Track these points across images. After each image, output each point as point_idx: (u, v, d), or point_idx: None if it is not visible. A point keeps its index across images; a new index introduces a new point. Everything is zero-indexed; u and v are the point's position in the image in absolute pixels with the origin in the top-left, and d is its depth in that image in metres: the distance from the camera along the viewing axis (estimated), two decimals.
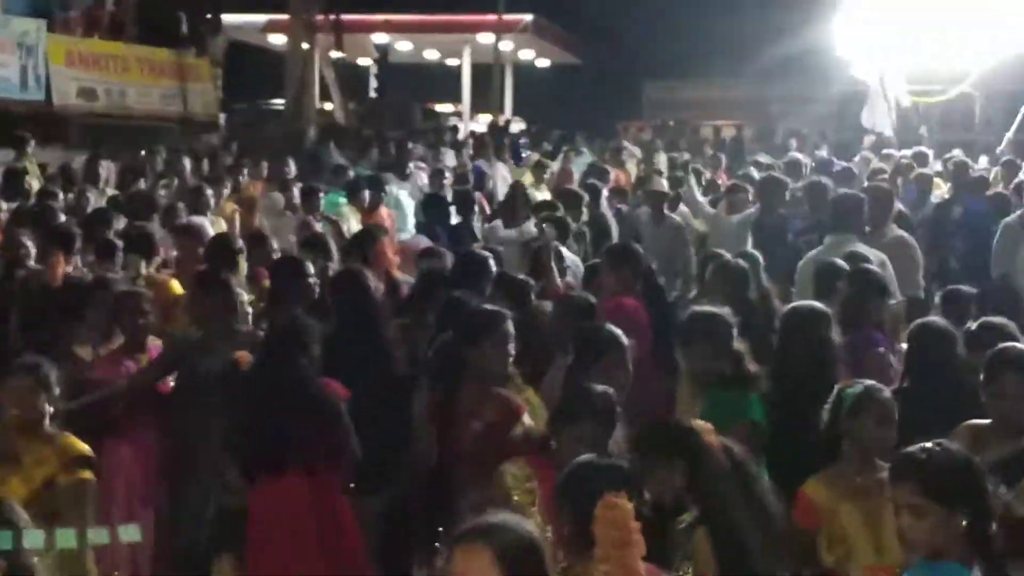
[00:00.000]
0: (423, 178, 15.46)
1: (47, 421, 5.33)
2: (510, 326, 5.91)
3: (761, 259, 8.49)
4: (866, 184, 10.39)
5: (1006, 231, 10.38)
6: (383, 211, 12.71)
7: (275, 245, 9.31)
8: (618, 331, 5.92)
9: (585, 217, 11.11)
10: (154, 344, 6.82)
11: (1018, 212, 10.78)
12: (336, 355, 6.21)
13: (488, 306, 6.18)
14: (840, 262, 7.63)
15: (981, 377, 5.28)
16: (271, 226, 11.63)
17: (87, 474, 5.29)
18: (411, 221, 13.31)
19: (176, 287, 8.07)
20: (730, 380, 5.84)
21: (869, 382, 5.13)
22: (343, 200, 13.36)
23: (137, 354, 6.65)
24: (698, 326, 6.00)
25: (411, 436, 6.17)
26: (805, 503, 4.97)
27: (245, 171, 14.94)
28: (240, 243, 8.38)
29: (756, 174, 13.17)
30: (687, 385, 6.25)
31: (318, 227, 11.51)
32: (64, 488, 5.19)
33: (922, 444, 3.95)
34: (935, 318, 6.53)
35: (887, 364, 6.46)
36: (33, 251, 8.25)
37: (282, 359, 5.79)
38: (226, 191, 13.55)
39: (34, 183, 13.33)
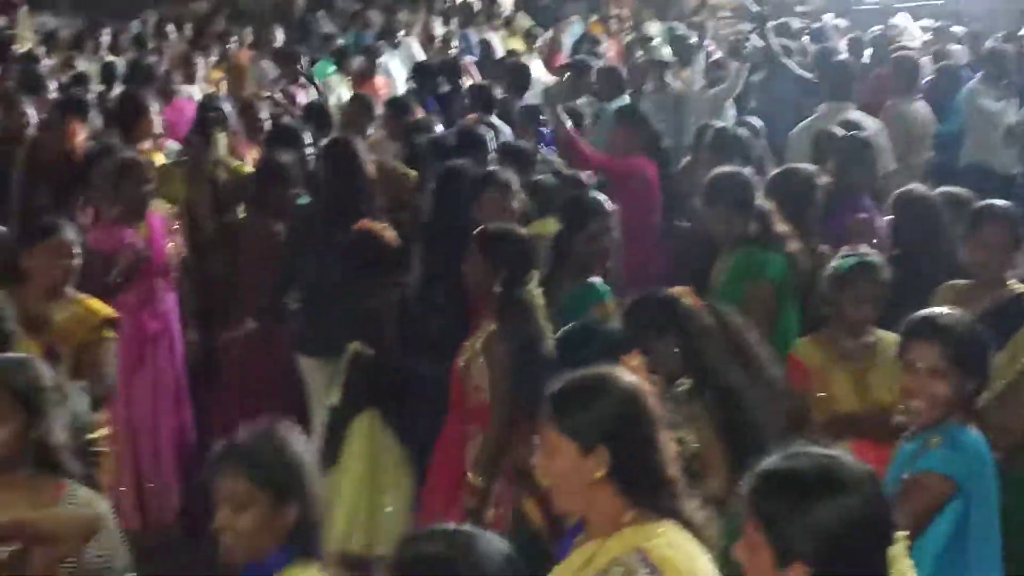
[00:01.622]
0: (414, 46, 15.31)
1: (70, 285, 5.46)
2: (508, 181, 6.07)
3: (762, 127, 8.55)
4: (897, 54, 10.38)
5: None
6: (377, 80, 12.58)
7: (265, 115, 9.29)
8: (603, 197, 6.01)
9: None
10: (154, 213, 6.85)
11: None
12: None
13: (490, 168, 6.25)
14: (838, 129, 7.66)
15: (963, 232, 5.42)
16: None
17: (110, 333, 5.47)
18: (401, 91, 13.23)
19: (160, 160, 8.03)
20: (752, 240, 5.85)
21: (862, 250, 5.19)
22: (332, 68, 13.29)
23: (135, 223, 6.65)
24: (719, 187, 6.00)
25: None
26: (796, 365, 5.07)
27: (233, 40, 14.82)
28: (224, 111, 8.18)
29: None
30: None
31: (302, 94, 11.49)
32: (90, 348, 5.37)
33: (936, 310, 4.14)
34: (916, 185, 6.60)
35: (872, 229, 6.50)
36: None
37: None
38: (214, 59, 13.46)
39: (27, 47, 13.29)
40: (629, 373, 3.21)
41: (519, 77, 11.16)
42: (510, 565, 2.65)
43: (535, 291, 5.23)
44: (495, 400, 5.12)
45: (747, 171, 6.12)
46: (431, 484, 5.48)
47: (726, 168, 6.17)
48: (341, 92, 12.17)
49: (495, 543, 2.68)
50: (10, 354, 4.06)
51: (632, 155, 8.05)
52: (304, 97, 11.48)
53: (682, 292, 4.51)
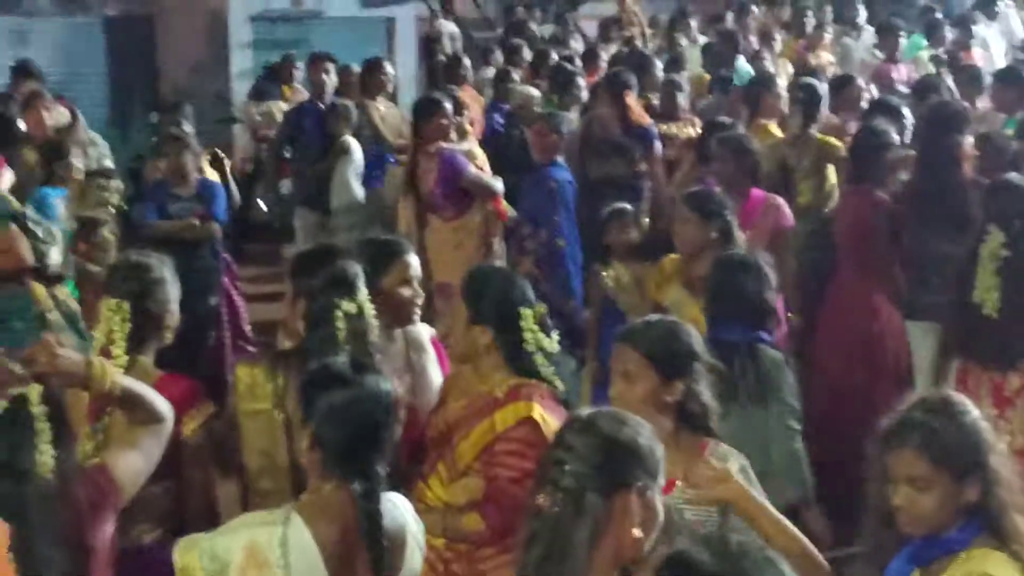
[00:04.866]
0: (1013, 20, 14.16)
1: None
2: None
3: None
4: None
5: None
6: (975, 52, 11.74)
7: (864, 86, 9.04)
8: None
9: None
10: None
11: None
12: None
13: None
14: None
15: None
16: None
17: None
18: (1000, 65, 12.25)
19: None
20: None
21: None
22: (924, 43, 12.52)
23: (738, 196, 6.50)
24: None
25: None
26: None
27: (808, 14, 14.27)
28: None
29: None
30: None
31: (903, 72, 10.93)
32: None
33: None
34: None
35: None
36: None
37: None
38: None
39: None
40: None
41: None
42: None
43: None
44: None
45: None
46: None
47: None
48: (927, 67, 11.44)
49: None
50: (656, 318, 4.02)
51: None
52: (896, 74, 10.92)
53: None
